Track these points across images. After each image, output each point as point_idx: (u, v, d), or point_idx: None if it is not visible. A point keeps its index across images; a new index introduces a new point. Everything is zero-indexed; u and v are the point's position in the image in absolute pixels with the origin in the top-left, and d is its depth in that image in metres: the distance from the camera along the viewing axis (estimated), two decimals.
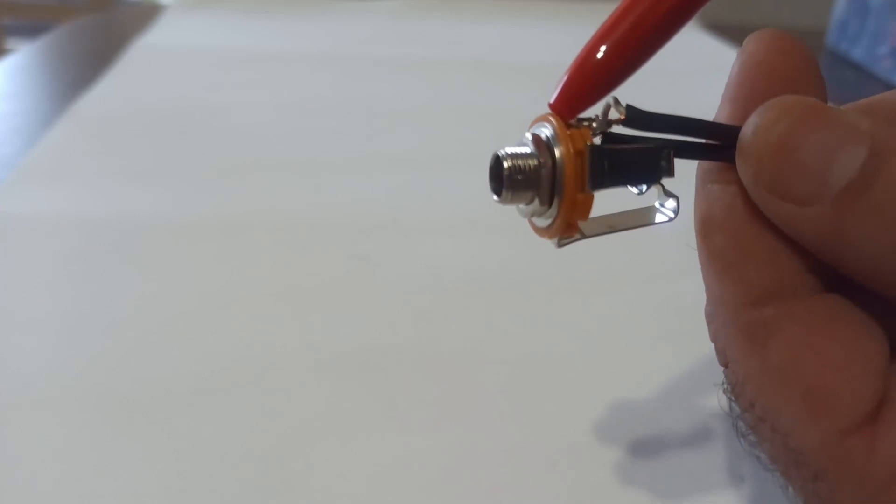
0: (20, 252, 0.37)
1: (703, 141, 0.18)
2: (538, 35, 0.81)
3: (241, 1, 0.86)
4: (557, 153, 0.17)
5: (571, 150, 0.17)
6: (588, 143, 0.17)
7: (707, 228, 0.17)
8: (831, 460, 0.16)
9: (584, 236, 0.18)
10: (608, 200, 0.18)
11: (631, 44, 0.17)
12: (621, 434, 0.27)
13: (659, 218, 0.18)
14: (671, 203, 0.18)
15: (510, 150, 0.18)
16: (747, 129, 0.16)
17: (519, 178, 0.17)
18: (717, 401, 0.19)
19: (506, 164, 0.18)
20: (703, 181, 0.18)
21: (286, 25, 0.80)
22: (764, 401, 0.17)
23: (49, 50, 0.75)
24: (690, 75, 0.61)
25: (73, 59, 0.74)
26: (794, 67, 0.17)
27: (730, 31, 0.81)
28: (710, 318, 0.18)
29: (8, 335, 0.31)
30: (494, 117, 0.55)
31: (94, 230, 0.39)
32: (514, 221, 0.20)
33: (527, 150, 0.18)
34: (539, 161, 0.17)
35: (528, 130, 0.18)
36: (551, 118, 0.18)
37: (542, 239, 0.19)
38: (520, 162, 0.18)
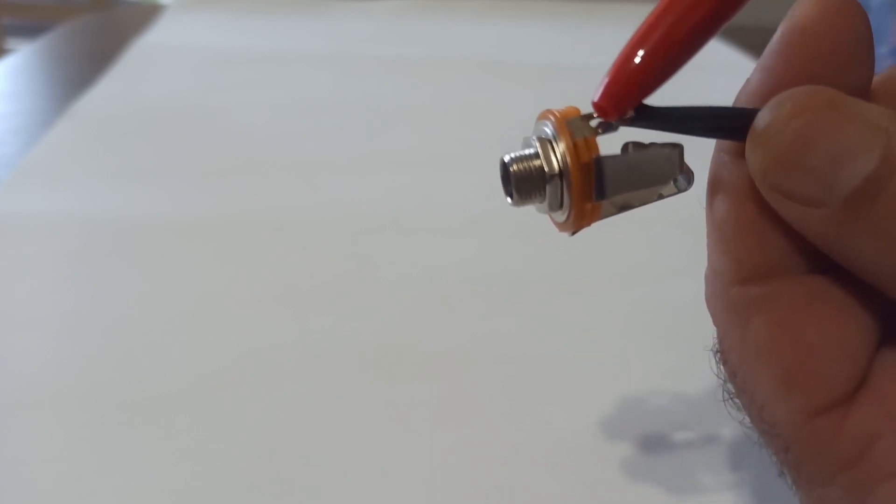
0: (20, 252, 0.37)
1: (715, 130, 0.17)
2: (538, 35, 0.81)
3: (241, 1, 0.86)
4: (562, 164, 0.17)
5: (578, 164, 0.17)
6: (594, 157, 0.17)
7: (712, 195, 0.17)
8: (798, 438, 0.16)
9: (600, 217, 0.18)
10: None
11: (670, 47, 0.17)
12: (621, 434, 0.27)
13: (673, 189, 0.18)
14: (686, 174, 0.18)
15: (515, 154, 0.18)
16: (759, 122, 0.16)
17: (527, 183, 0.17)
18: (717, 401, 0.19)
19: (512, 170, 0.18)
20: (718, 148, 0.18)
21: (286, 25, 0.80)
22: (743, 373, 0.17)
23: (49, 50, 0.75)
24: (688, 74, 0.61)
25: (73, 59, 0.74)
26: (843, 41, 0.16)
27: (729, 31, 0.80)
28: (707, 280, 0.18)
29: (8, 335, 0.31)
30: (494, 117, 0.55)
31: (94, 230, 0.39)
32: (514, 221, 0.20)
33: (531, 151, 0.18)
34: (545, 170, 0.17)
35: (534, 133, 0.18)
36: (554, 120, 0.17)
37: (541, 234, 0.18)
38: (526, 167, 0.17)
